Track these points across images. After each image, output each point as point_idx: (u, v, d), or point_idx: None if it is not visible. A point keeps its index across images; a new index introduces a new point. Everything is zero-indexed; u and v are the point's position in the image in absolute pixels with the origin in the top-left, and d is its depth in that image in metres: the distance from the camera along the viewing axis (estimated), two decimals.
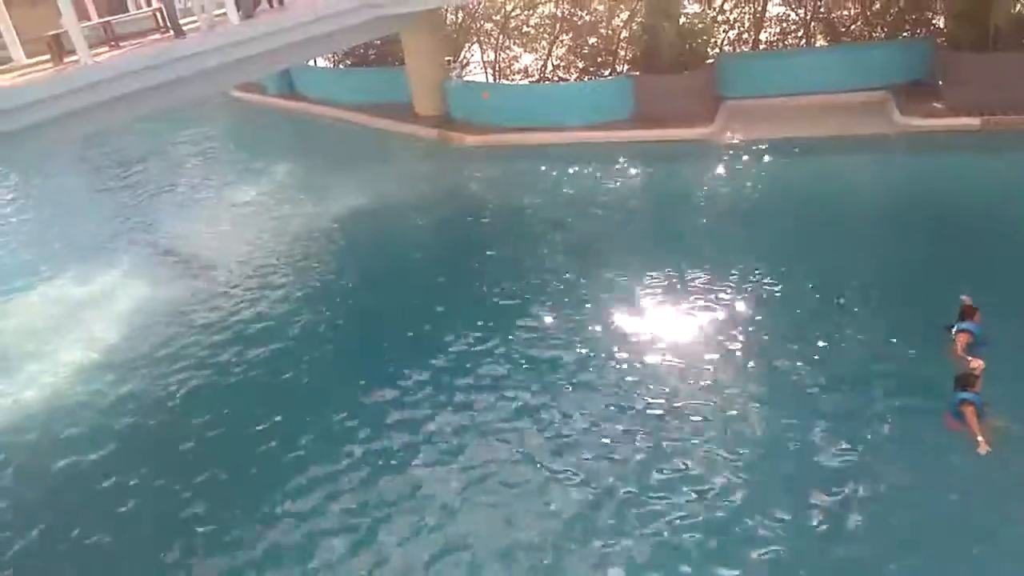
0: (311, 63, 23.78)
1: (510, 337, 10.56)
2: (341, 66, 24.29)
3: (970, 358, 8.26)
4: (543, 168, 16.79)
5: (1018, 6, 15.82)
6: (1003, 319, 8.89)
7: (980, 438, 7.16)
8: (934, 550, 6.66)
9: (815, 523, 7.10)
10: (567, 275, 12.06)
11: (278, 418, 9.48)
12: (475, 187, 16.91)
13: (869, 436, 7.96)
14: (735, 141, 16.50)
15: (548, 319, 10.94)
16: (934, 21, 18.17)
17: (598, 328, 10.58)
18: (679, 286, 11.29)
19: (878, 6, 19.00)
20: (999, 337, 8.63)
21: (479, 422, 9.02)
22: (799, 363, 9.25)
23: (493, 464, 8.30)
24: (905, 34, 18.33)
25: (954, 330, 8.86)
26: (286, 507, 8.14)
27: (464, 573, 7.06)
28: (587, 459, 8.21)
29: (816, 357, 9.33)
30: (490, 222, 14.79)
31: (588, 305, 11.15)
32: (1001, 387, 7.79)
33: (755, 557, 6.81)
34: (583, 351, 10.08)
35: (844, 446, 7.87)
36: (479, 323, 10.96)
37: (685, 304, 10.84)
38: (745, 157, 15.77)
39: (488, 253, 13.37)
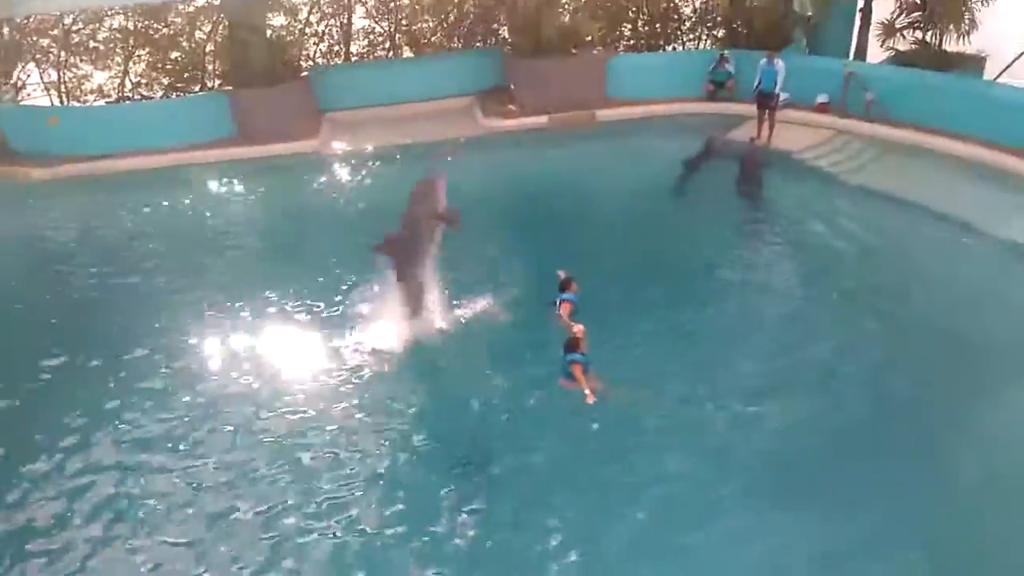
0: None
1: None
2: None
3: (573, 324, 9.34)
4: (132, 196, 14.98)
5: (566, 17, 18.42)
6: (594, 285, 10.25)
7: (587, 390, 8.12)
8: (567, 480, 7.50)
9: (444, 496, 7.39)
10: (167, 313, 10.86)
11: None
12: (44, 228, 14.23)
13: (496, 407, 8.54)
14: (341, 152, 16.63)
15: (121, 367, 9.66)
16: (500, 32, 20.33)
17: (180, 362, 9.74)
18: (287, 306, 10.88)
19: (452, 19, 20.67)
20: (591, 300, 9.90)
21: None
22: (405, 361, 9.49)
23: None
24: (479, 44, 20.24)
25: (557, 302, 9.94)
26: None
27: None
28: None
29: (433, 345, 9.68)
30: (62, 267, 12.59)
31: (173, 341, 10.17)
32: (595, 345, 8.93)
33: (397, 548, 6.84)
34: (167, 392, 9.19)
35: (473, 422, 8.37)
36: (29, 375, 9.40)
37: (289, 318, 10.54)
38: (352, 167, 16.00)
39: (57, 304, 11.38)
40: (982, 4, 15.61)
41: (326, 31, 20.27)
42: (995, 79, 17.19)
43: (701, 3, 20.91)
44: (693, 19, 21.06)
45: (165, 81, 19.20)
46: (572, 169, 15.38)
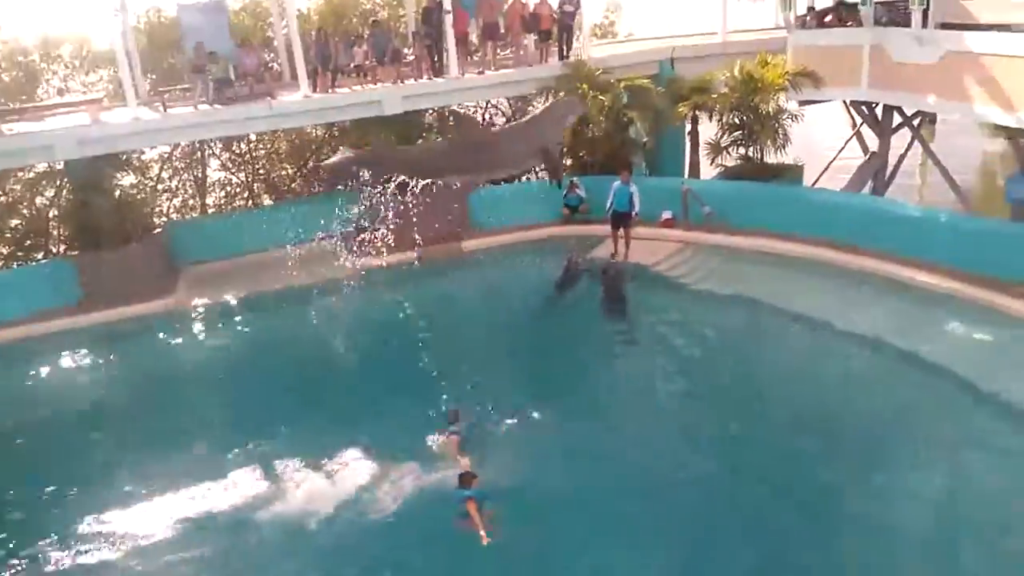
0: None
1: None
2: None
3: (461, 457, 9.14)
4: None
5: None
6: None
7: (482, 532, 7.83)
8: None
9: None
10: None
11: None
12: None
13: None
14: (200, 307, 15.90)
15: None
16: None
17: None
18: (144, 484, 10.25)
19: (311, 164, 20.94)
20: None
21: None
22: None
23: None
24: (341, 188, 20.40)
25: (447, 434, 9.76)
26: None
27: None
28: None
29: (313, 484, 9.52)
30: None
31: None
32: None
33: None
34: None
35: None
36: None
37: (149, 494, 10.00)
38: (216, 320, 15.37)
39: None
40: (792, 120, 17.60)
41: (179, 186, 19.96)
42: (813, 184, 19.20)
43: None
44: None
45: (4, 251, 18.11)
46: (446, 298, 15.74)
